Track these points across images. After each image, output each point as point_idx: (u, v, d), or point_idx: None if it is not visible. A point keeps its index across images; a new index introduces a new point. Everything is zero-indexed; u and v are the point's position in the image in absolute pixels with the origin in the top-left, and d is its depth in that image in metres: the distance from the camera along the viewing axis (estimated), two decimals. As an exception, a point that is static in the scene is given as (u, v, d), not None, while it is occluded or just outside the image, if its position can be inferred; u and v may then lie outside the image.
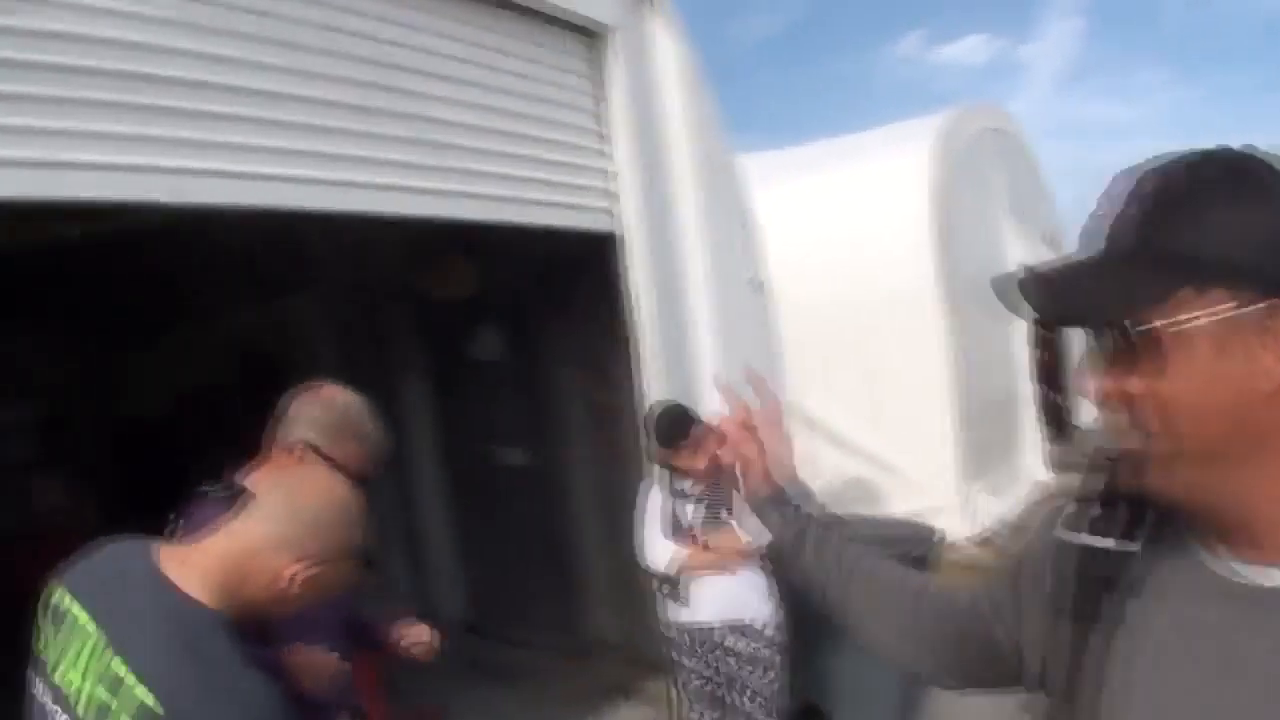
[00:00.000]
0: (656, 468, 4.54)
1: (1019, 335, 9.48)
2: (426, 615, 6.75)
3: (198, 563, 1.75)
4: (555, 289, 6.78)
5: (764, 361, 6.33)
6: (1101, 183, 1.09)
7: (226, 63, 3.72)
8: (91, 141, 3.31)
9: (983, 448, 9.52)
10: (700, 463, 4.29)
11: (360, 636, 2.85)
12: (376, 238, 7.62)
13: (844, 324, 9.09)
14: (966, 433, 9.30)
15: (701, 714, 4.43)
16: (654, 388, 5.43)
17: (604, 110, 5.48)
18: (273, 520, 1.79)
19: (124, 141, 3.41)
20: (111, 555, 1.81)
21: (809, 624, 4.38)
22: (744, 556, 4.21)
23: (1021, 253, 11.05)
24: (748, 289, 6.33)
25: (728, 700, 4.37)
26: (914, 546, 5.34)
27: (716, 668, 4.36)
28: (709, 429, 4.30)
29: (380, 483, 7.44)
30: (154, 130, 3.48)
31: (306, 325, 8.44)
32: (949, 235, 9.38)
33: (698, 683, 4.41)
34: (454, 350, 7.66)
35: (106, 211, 6.60)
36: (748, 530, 4.19)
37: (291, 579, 1.76)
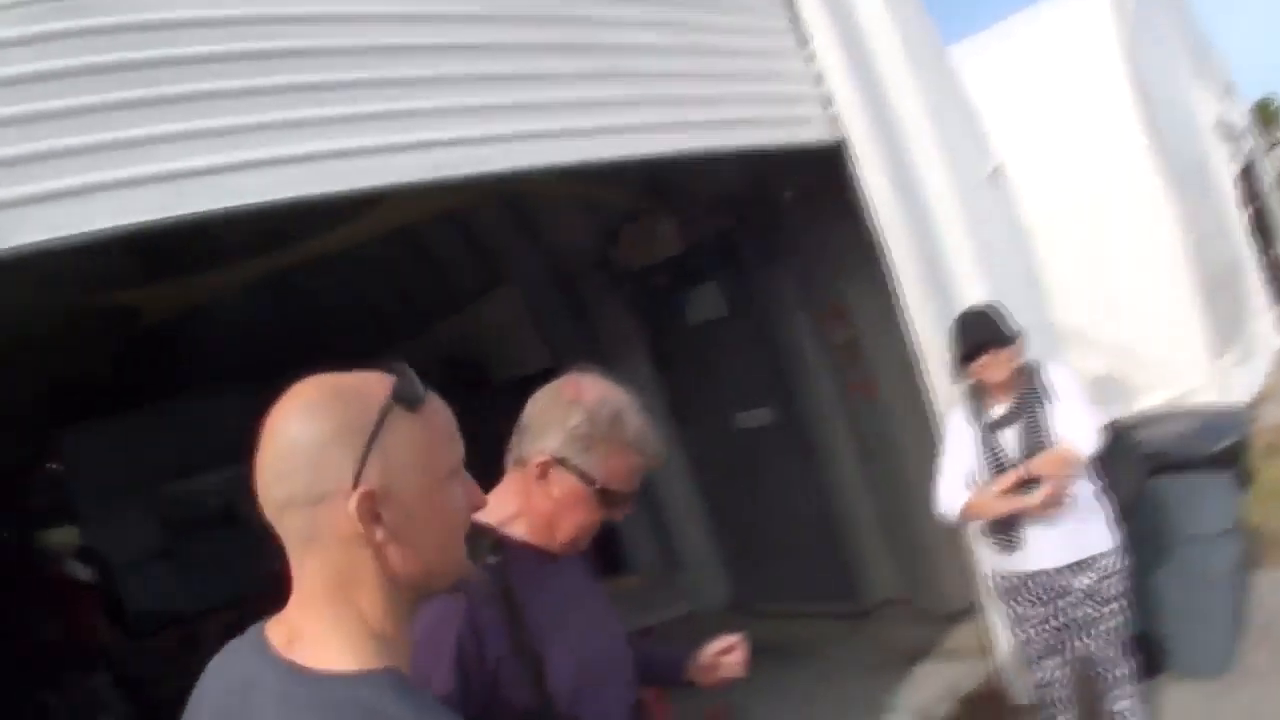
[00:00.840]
0: (961, 397, 3.86)
1: (1228, 198, 8.50)
2: (684, 599, 6.47)
3: (309, 618, 1.23)
4: (775, 225, 6.15)
5: (1018, 260, 5.53)
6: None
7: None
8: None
9: (1221, 321, 8.54)
10: (1003, 371, 3.60)
11: (653, 675, 2.39)
12: (566, 214, 7.26)
13: (1061, 215, 8.13)
14: (1207, 307, 8.32)
15: (1039, 662, 3.80)
16: (916, 313, 4.71)
17: (798, 7, 4.79)
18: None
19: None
20: (232, 656, 1.31)
21: (1135, 547, 3.76)
22: (1076, 469, 3.53)
23: (1208, 110, 9.99)
24: (989, 183, 5.54)
25: (1069, 645, 3.74)
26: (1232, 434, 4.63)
27: (1057, 613, 3.69)
28: (1017, 333, 3.65)
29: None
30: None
31: (508, 322, 8.11)
32: (1147, 99, 8.32)
33: (1034, 631, 3.75)
34: (670, 316, 7.13)
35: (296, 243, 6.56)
36: (1074, 436, 3.42)
37: (361, 512, 1.18)
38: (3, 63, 2.62)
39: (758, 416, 6.84)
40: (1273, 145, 22.13)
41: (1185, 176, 8.34)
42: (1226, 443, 4.48)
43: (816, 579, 6.68)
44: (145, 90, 2.84)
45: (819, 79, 4.77)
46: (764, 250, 6.29)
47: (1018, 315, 4.78)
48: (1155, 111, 8.36)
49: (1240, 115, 12.09)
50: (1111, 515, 3.66)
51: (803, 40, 4.81)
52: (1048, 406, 3.59)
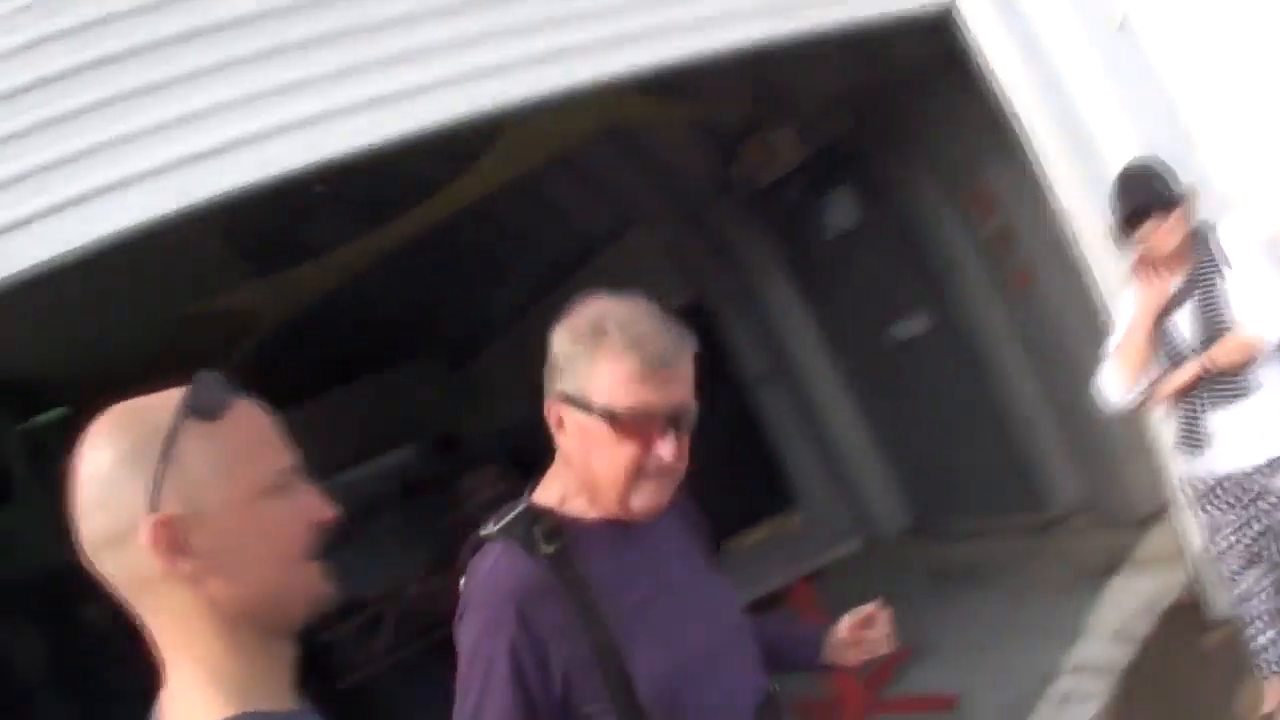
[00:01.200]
0: (1129, 272, 3.29)
1: None
2: (859, 530, 6.09)
3: (167, 678, 1.06)
4: (898, 116, 5.60)
5: (1165, 115, 4.80)
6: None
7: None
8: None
9: None
10: (1170, 240, 3.03)
11: (783, 660, 1.92)
12: (682, 142, 6.87)
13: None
14: None
15: (1238, 575, 3.24)
16: (1064, 185, 4.13)
17: None
18: None
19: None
20: None
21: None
22: (1259, 353, 2.94)
23: None
24: (1119, 34, 4.81)
25: (1271, 554, 3.17)
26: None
27: (1255, 519, 3.13)
28: (1185, 191, 3.06)
29: (769, 398, 6.76)
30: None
31: (642, 262, 7.80)
32: None
33: (1231, 540, 3.20)
34: (806, 231, 6.67)
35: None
36: (1264, 316, 2.90)
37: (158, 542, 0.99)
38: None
39: (913, 326, 6.34)
40: None
41: None
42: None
43: (997, 492, 6.18)
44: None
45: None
46: (892, 145, 5.75)
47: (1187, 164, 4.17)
48: None
49: None
50: None
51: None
52: (1225, 278, 3.01)
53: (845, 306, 6.74)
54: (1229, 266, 3.00)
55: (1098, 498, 5.57)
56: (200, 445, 1.02)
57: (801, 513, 5.97)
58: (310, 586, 1.09)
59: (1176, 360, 3.07)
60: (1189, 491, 3.30)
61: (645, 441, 1.53)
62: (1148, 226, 3.03)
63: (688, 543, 1.80)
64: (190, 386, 1.06)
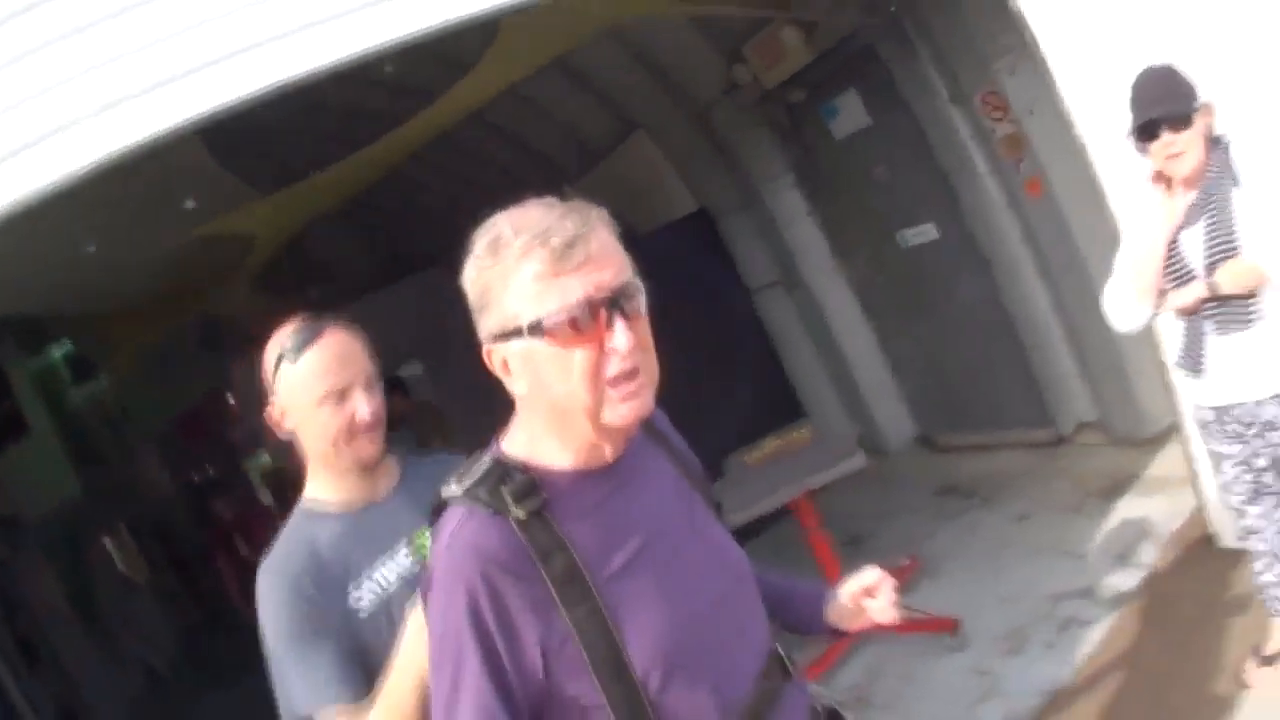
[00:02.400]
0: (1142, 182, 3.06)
1: None
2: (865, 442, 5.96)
3: None
4: (908, 12, 5.31)
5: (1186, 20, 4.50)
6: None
7: None
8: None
9: None
10: (1186, 160, 2.82)
11: (786, 620, 1.80)
12: (686, 42, 6.57)
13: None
14: None
15: (1244, 507, 3.10)
16: (1075, 87, 3.87)
17: None
18: None
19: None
20: None
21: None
22: (1264, 281, 2.75)
23: None
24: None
25: (1277, 488, 3.02)
26: None
27: (1261, 451, 2.97)
28: (1200, 109, 2.82)
29: (774, 310, 6.57)
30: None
31: (645, 169, 7.57)
32: None
33: (1236, 471, 3.06)
34: (814, 134, 6.41)
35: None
36: (1268, 249, 2.50)
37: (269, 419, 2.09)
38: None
39: (923, 232, 6.11)
40: None
41: None
42: None
43: (1006, 406, 6.04)
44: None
45: None
46: (902, 44, 5.45)
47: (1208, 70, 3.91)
48: None
49: None
50: None
51: None
52: (1237, 195, 2.80)
53: (853, 213, 6.52)
54: (1240, 187, 2.79)
55: (1107, 415, 5.42)
56: (284, 373, 2.00)
57: (809, 425, 5.85)
58: (347, 456, 2.02)
59: (1182, 280, 2.87)
60: (1197, 418, 3.14)
61: (592, 340, 1.35)
62: (1164, 138, 2.82)
63: (682, 489, 1.61)
64: (289, 336, 2.00)
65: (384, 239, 9.65)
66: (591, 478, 1.46)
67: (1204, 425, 3.09)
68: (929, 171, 5.76)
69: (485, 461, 1.45)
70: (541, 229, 1.34)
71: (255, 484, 11.95)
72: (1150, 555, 4.17)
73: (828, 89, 6.07)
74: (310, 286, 10.11)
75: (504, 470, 1.42)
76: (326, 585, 2.00)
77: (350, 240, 9.47)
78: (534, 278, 1.34)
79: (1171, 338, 3.04)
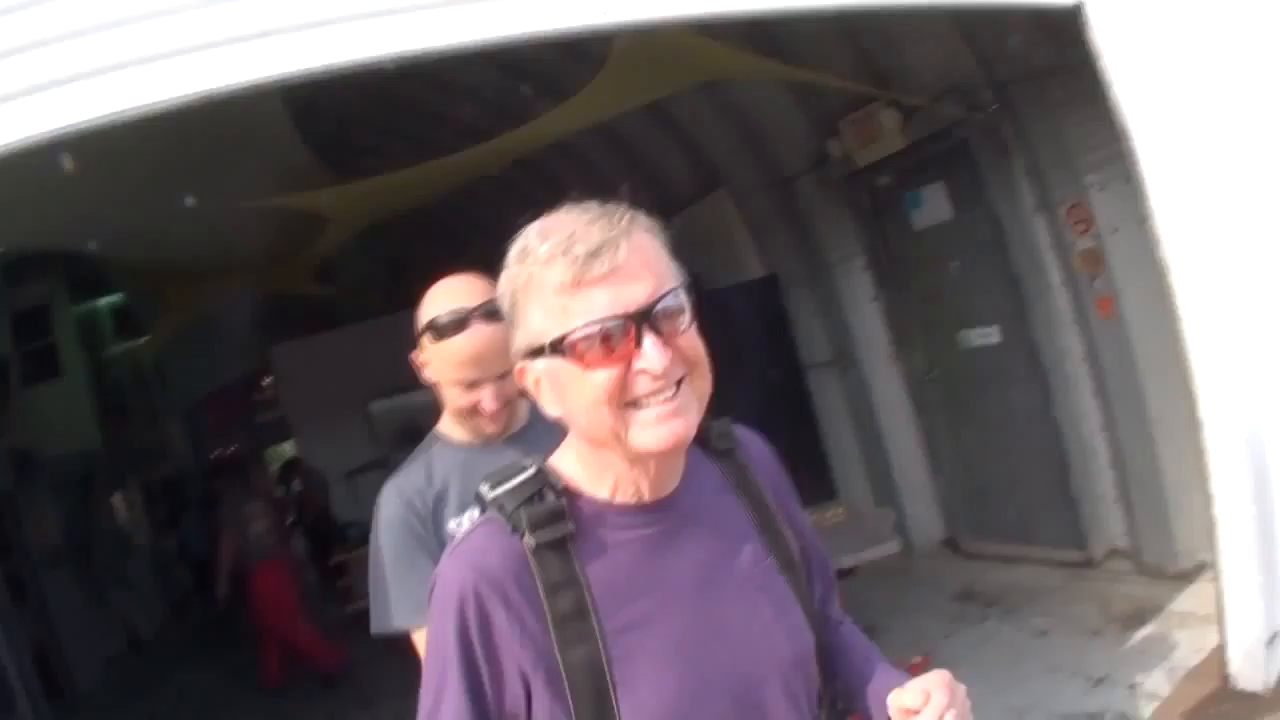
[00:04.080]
0: None
1: None
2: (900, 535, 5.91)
3: None
4: (1009, 116, 5.36)
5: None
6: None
7: None
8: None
9: None
10: None
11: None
12: (783, 110, 6.67)
13: None
14: None
15: None
16: (1170, 218, 3.87)
17: None
18: None
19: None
20: None
21: None
22: None
23: None
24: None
25: None
26: None
27: None
28: None
29: (824, 387, 6.56)
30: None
31: (721, 227, 7.62)
32: None
33: None
34: (893, 219, 6.45)
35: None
36: None
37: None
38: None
39: (986, 334, 6.11)
40: None
41: None
42: None
43: (1039, 521, 5.96)
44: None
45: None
46: (997, 144, 5.50)
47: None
48: None
49: None
50: None
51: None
52: None
53: (920, 305, 6.53)
54: None
55: (1140, 544, 5.33)
56: (427, 340, 2.11)
57: (844, 504, 5.80)
58: (475, 425, 2.18)
59: None
60: None
61: (619, 359, 1.22)
62: None
63: (752, 548, 1.42)
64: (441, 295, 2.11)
65: (448, 252, 9.75)
66: (633, 514, 1.34)
67: None
68: (1002, 275, 5.77)
69: (529, 471, 1.35)
70: (567, 235, 1.23)
71: (273, 472, 12.02)
72: (1164, 688, 4.08)
73: (916, 177, 6.12)
74: (371, 287, 10.25)
75: (540, 487, 1.32)
76: (435, 509, 2.17)
77: (416, 248, 9.58)
78: (555, 290, 1.22)
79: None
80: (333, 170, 6.08)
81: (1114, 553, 5.54)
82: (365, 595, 2.20)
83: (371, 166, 6.10)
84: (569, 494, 1.32)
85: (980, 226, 5.81)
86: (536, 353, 1.27)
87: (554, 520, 1.29)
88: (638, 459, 1.29)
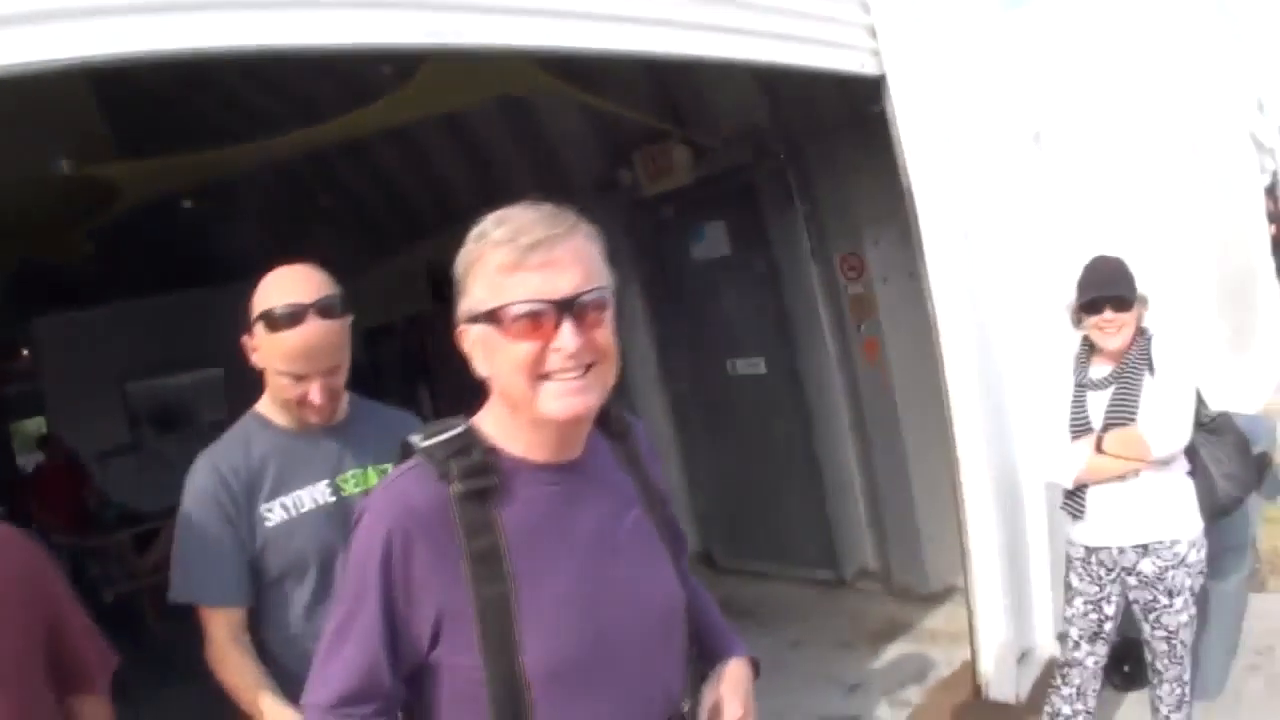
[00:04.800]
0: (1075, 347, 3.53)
1: (1253, 209, 8.09)
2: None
3: None
4: (796, 166, 5.76)
5: (1050, 227, 5.13)
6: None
7: None
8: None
9: (1234, 329, 8.26)
10: (1117, 338, 3.30)
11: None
12: (578, 130, 6.84)
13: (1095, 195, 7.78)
14: (1224, 313, 8.04)
15: (1078, 644, 3.53)
16: (938, 275, 4.32)
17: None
18: None
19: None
20: None
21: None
22: (1145, 466, 3.24)
23: (1241, 119, 9.74)
24: (1029, 143, 5.15)
25: (1109, 636, 3.51)
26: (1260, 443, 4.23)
27: (1113, 597, 3.43)
28: (1138, 300, 3.31)
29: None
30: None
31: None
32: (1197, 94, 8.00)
33: (1086, 609, 3.49)
34: (674, 250, 6.75)
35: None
36: (1159, 432, 2.85)
37: None
38: None
39: (753, 364, 6.49)
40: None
41: (1216, 180, 8.08)
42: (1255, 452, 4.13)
43: (793, 542, 6.39)
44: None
45: (867, 6, 4.35)
46: (781, 190, 5.89)
47: (1045, 290, 4.46)
48: (1203, 109, 8.04)
49: (1270, 131, 11.87)
50: (1193, 504, 3.32)
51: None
52: (1148, 380, 3.28)
53: (691, 331, 6.84)
54: (1152, 375, 3.27)
55: (891, 568, 5.84)
56: (260, 329, 2.13)
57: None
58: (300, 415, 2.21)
59: (1078, 431, 3.33)
60: (1068, 553, 3.54)
61: (540, 336, 1.43)
62: (1106, 314, 3.28)
63: (637, 517, 1.64)
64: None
65: (223, 238, 9.33)
66: (545, 472, 1.53)
67: (1070, 561, 3.51)
68: (773, 311, 6.17)
69: (457, 428, 1.54)
70: (516, 226, 1.45)
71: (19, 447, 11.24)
72: (917, 696, 4.51)
73: (700, 213, 6.42)
74: (140, 266, 9.64)
75: (467, 443, 1.51)
76: (245, 487, 2.20)
77: (190, 232, 9.09)
78: (497, 268, 1.44)
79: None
80: (128, 146, 5.75)
81: (865, 574, 6.03)
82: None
83: (166, 147, 5.80)
84: (491, 451, 1.52)
85: (756, 264, 6.19)
86: (474, 319, 1.48)
87: (479, 472, 1.48)
88: (541, 424, 1.49)
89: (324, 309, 2.12)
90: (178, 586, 2.19)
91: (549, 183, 7.21)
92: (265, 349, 2.15)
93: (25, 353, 10.82)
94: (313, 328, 2.11)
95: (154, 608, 7.40)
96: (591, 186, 6.97)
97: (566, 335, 1.43)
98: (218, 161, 5.89)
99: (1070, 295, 3.43)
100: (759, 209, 6.06)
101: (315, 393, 2.16)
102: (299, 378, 2.15)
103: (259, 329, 2.14)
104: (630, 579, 1.57)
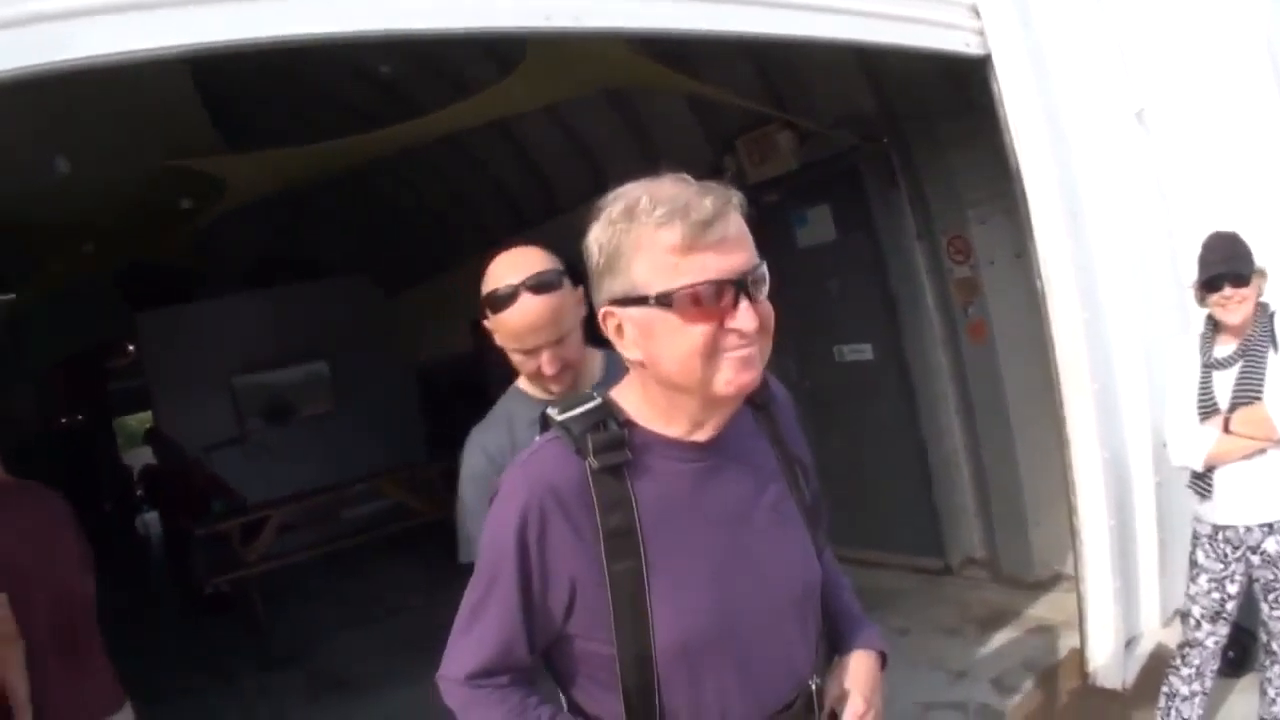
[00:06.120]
0: (1200, 327, 3.47)
1: None
2: None
3: None
4: (900, 148, 5.71)
5: (1156, 206, 4.98)
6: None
7: None
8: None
9: None
10: (1237, 313, 3.25)
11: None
12: (681, 120, 6.87)
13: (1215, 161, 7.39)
14: None
15: (1199, 623, 3.48)
16: (1046, 250, 4.25)
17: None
18: None
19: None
20: None
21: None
22: (1273, 445, 3.19)
23: None
24: (1133, 121, 5.00)
25: (1232, 614, 3.45)
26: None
27: (1238, 575, 3.37)
28: (1257, 273, 3.28)
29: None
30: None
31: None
32: None
33: (1210, 586, 3.43)
34: (780, 236, 6.73)
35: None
36: None
37: None
38: None
39: (860, 350, 6.45)
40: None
41: None
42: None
43: (899, 530, 6.33)
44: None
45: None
46: (885, 174, 5.84)
47: (1153, 270, 4.35)
48: None
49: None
50: None
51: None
52: (1273, 357, 3.24)
53: (797, 318, 6.81)
54: (1276, 351, 3.23)
55: (997, 555, 5.76)
56: (488, 313, 2.25)
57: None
58: (542, 385, 2.31)
59: (1208, 411, 3.29)
60: (1195, 530, 3.49)
61: (716, 317, 1.39)
62: (1225, 291, 3.24)
63: (777, 489, 1.61)
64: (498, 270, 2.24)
65: (326, 234, 9.62)
66: (685, 449, 1.50)
67: (1197, 538, 3.46)
68: (880, 296, 6.12)
69: (594, 401, 1.52)
70: (682, 203, 1.38)
71: (124, 442, 11.56)
72: (1026, 683, 4.44)
73: (804, 198, 6.41)
74: (243, 262, 10.00)
75: (603, 417, 1.49)
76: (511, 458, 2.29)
77: (289, 229, 9.41)
78: (668, 249, 1.37)
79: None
80: (229, 141, 5.99)
81: (971, 562, 5.95)
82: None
83: (267, 141, 6.02)
84: (629, 425, 1.50)
85: (862, 249, 6.15)
86: (635, 301, 1.42)
87: (614, 447, 1.46)
88: (715, 402, 1.47)
89: (536, 286, 2.21)
90: (464, 551, 2.36)
91: (651, 172, 7.28)
92: (495, 330, 2.30)
93: (131, 349, 11.14)
94: (527, 303, 2.20)
95: (260, 595, 7.68)
96: (696, 175, 6.99)
97: (745, 315, 1.39)
98: (319, 157, 6.07)
99: (1191, 274, 3.37)
100: (863, 193, 6.02)
101: (546, 363, 2.25)
102: (528, 352, 2.26)
103: (487, 312, 2.28)
104: (765, 557, 1.55)
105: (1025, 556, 5.50)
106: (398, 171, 8.51)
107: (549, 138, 7.65)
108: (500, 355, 2.37)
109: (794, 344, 6.91)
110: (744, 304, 1.39)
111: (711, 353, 1.40)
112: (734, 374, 1.42)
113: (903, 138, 5.67)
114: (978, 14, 4.26)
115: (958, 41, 4.15)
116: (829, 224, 6.37)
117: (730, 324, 1.39)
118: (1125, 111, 4.87)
